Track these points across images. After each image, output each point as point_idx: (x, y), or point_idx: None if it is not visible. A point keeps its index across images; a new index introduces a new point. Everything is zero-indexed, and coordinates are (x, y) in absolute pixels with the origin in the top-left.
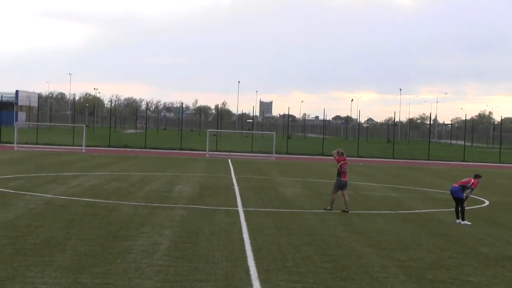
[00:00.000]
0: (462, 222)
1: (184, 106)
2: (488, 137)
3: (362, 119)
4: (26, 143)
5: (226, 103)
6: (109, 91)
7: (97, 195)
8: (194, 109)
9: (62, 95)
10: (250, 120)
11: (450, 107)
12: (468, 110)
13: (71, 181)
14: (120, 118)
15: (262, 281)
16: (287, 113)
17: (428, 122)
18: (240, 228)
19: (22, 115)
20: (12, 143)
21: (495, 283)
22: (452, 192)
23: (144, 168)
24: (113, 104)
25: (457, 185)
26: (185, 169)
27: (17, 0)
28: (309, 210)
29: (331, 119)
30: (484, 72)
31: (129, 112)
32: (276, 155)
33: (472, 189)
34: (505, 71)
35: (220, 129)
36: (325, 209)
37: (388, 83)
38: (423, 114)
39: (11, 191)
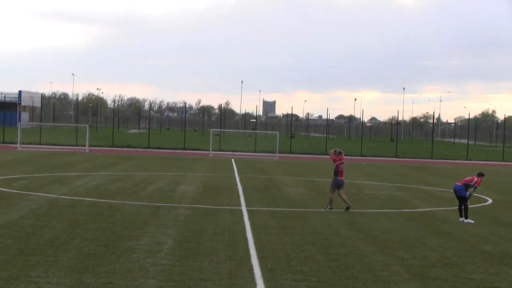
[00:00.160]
0: (465, 221)
1: (187, 106)
2: (491, 136)
3: (366, 118)
4: (30, 144)
5: (229, 103)
6: (112, 91)
7: (101, 195)
8: (197, 109)
9: (65, 96)
10: (253, 120)
11: (453, 106)
12: (471, 108)
13: (74, 181)
14: (123, 118)
15: (266, 280)
16: (290, 113)
17: (432, 121)
18: (244, 228)
19: (25, 116)
20: (16, 143)
21: (498, 280)
22: (455, 191)
23: (147, 168)
24: (116, 104)
25: (460, 184)
26: (189, 169)
27: (20, 1)
28: (312, 209)
29: (334, 119)
30: (487, 71)
31: (132, 112)
32: (279, 154)
33: (476, 188)
34: (508, 70)
35: (224, 129)
36: (325, 208)
37: (392, 82)
38: (427, 113)
39: (14, 191)
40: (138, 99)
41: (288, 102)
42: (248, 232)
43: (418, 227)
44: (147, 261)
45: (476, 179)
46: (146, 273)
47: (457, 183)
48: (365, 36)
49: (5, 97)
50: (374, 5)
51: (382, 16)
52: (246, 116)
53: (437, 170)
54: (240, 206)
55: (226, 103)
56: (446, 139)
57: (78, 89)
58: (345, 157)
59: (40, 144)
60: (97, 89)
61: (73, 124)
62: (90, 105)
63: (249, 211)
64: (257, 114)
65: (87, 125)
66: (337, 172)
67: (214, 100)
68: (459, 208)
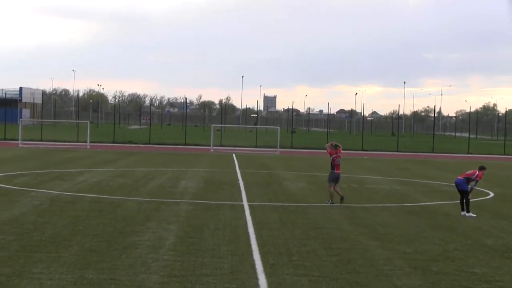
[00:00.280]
0: (467, 214)
1: (188, 101)
2: (492, 129)
3: (367, 113)
4: (31, 140)
5: (230, 98)
6: (113, 87)
7: (102, 191)
8: (198, 104)
9: (66, 92)
10: (254, 115)
11: (454, 99)
12: (472, 102)
13: (76, 177)
14: (124, 114)
15: (267, 274)
16: (291, 107)
17: (433, 115)
18: (245, 223)
19: (26, 112)
20: (17, 140)
21: (500, 274)
22: (457, 185)
23: (148, 164)
24: (117, 100)
25: (462, 178)
26: (190, 164)
27: None
28: (313, 204)
29: (335, 113)
30: (488, 64)
31: (133, 108)
32: (280, 149)
33: (477, 181)
34: (509, 63)
35: (225, 124)
36: (327, 203)
37: (392, 76)
38: (428, 107)
39: (16, 188)
40: (139, 94)
41: (289, 97)
42: (249, 227)
43: (420, 221)
44: (149, 256)
45: (477, 172)
46: (148, 269)
47: (459, 177)
48: (366, 30)
49: (6, 94)
50: None
51: (382, 10)
52: (247, 111)
53: (438, 164)
54: (242, 201)
55: (227, 98)
56: (447, 133)
57: (79, 85)
58: (346, 151)
59: (41, 140)
60: (98, 85)
61: (74, 121)
62: (91, 101)
63: (250, 206)
64: (258, 109)
65: (88, 121)
66: (334, 166)
67: (215, 95)
68: (460, 202)
